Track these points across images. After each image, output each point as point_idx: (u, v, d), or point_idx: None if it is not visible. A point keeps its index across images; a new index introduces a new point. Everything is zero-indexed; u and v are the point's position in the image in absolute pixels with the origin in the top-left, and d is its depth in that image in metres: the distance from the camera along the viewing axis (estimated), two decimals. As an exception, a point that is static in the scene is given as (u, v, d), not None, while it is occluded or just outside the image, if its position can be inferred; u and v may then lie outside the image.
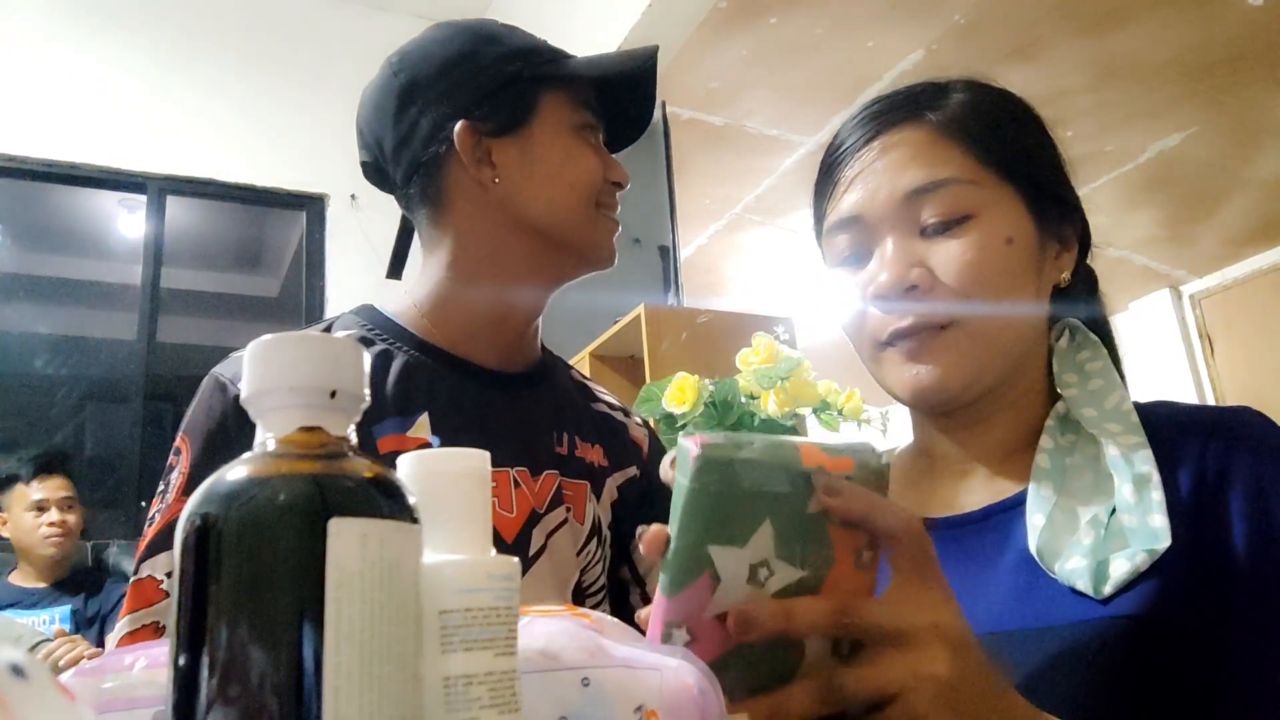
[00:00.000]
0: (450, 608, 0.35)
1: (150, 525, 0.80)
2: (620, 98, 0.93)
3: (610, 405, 1.03)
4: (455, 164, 0.88)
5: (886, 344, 0.67)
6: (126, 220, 3.94)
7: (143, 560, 0.78)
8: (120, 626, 0.77)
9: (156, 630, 0.75)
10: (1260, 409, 0.64)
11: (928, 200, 0.65)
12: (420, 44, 0.93)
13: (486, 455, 0.40)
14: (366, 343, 0.88)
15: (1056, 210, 0.69)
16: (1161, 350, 5.07)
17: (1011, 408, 0.69)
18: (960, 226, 0.65)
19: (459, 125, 0.87)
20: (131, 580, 0.78)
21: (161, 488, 0.81)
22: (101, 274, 4.74)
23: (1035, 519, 0.61)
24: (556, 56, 0.90)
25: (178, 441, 0.82)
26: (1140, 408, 0.65)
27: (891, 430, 1.69)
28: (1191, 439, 0.61)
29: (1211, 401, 4.87)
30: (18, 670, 0.26)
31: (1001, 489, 0.67)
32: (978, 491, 0.68)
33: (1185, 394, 4.88)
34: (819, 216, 0.73)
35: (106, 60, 3.49)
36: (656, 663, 0.41)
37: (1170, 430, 0.62)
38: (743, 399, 1.75)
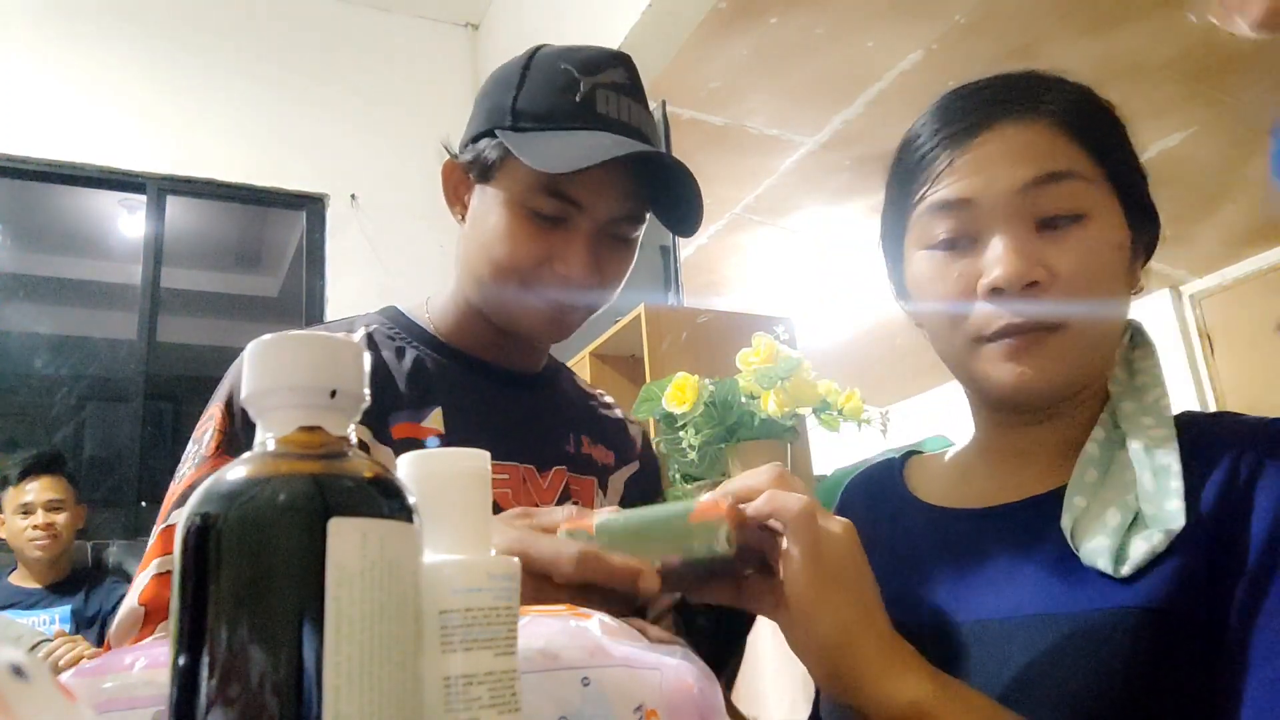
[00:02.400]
0: (450, 608, 0.35)
1: (178, 481, 0.80)
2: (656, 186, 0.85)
3: (608, 406, 1.06)
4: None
5: (989, 339, 0.65)
6: (126, 220, 3.94)
7: (173, 510, 0.78)
8: (150, 569, 0.76)
9: None
10: (1259, 410, 0.64)
11: (1046, 193, 0.63)
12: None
13: (486, 455, 0.40)
14: (384, 338, 0.90)
15: (1145, 219, 0.69)
16: (1161, 350, 5.04)
17: (1078, 406, 0.69)
18: (1077, 225, 0.63)
19: (446, 159, 0.90)
20: (160, 529, 0.78)
21: (193, 448, 0.81)
22: (101, 274, 4.75)
23: (1075, 500, 0.62)
24: (534, 126, 0.82)
25: (209, 410, 0.83)
26: (1196, 415, 0.66)
27: (891, 430, 1.69)
28: (1231, 445, 0.62)
29: (1211, 402, 4.87)
30: (18, 670, 0.26)
31: (1049, 482, 0.68)
32: (1030, 483, 0.69)
33: (1185, 394, 4.88)
34: (901, 201, 0.71)
35: (106, 60, 3.49)
36: (656, 662, 0.41)
37: (1213, 437, 0.63)
38: (743, 399, 1.75)
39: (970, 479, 0.74)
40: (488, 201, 0.85)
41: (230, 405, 0.82)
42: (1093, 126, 0.66)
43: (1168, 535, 0.58)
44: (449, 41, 4.05)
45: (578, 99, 0.82)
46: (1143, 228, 0.69)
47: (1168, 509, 0.59)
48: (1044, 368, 0.64)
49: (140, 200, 3.57)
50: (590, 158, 0.77)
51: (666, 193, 0.86)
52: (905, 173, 0.71)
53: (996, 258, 0.63)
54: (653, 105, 1.81)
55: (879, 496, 0.80)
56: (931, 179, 0.67)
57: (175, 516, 0.78)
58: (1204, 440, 0.63)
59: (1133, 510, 0.60)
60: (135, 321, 3.45)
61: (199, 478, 0.78)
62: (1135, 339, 0.72)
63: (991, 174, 0.65)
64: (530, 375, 0.96)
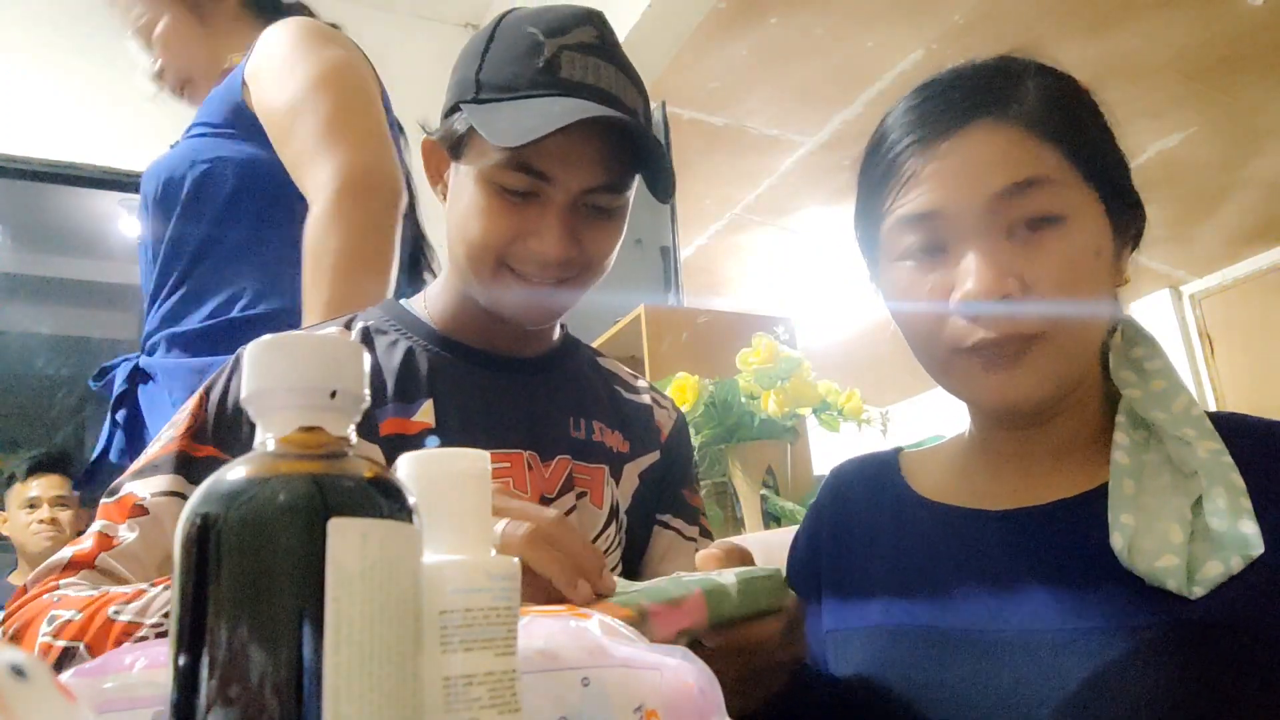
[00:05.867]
0: (450, 608, 0.35)
1: (143, 458, 0.79)
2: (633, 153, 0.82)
3: (635, 390, 1.01)
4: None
5: (967, 351, 0.64)
6: (126, 220, 3.94)
7: (128, 480, 0.78)
8: (96, 526, 0.76)
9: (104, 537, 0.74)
10: (1260, 410, 0.64)
11: (1018, 201, 0.62)
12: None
13: (486, 455, 0.40)
14: (379, 332, 0.89)
15: (1129, 211, 0.68)
16: (1161, 350, 5.06)
17: (1074, 406, 0.68)
18: (1052, 230, 0.62)
19: (424, 138, 0.89)
20: (113, 499, 0.77)
21: (168, 430, 0.81)
22: (101, 274, 4.74)
23: (1124, 517, 0.61)
24: (497, 97, 0.79)
25: (188, 400, 0.83)
26: (1215, 419, 0.65)
27: (892, 430, 1.69)
28: (1273, 454, 0.61)
29: (1211, 401, 4.87)
30: (18, 670, 0.26)
31: (1066, 484, 0.66)
32: (1041, 486, 0.68)
33: (1185, 394, 4.87)
34: (872, 208, 0.70)
35: (107, 60, 3.49)
36: (656, 662, 0.41)
37: (1253, 444, 0.62)
38: (743, 399, 1.75)
39: (972, 477, 0.73)
40: (460, 179, 0.84)
41: (207, 397, 0.82)
42: (1066, 124, 0.64)
43: (1245, 560, 0.57)
44: (449, 41, 4.05)
45: (541, 64, 0.79)
46: (1127, 219, 0.68)
47: (1244, 532, 0.58)
48: (1024, 379, 0.63)
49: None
50: (542, 127, 0.73)
51: (642, 155, 0.82)
52: (876, 177, 0.70)
53: (968, 270, 0.62)
54: (653, 105, 1.80)
55: (877, 489, 0.78)
56: (899, 189, 0.66)
57: (129, 487, 0.77)
58: (1241, 448, 0.62)
59: (1190, 523, 0.59)
60: (135, 321, 3.45)
61: (159, 455, 0.78)
62: (1130, 335, 0.71)
63: (959, 185, 0.63)
64: (533, 358, 0.93)
